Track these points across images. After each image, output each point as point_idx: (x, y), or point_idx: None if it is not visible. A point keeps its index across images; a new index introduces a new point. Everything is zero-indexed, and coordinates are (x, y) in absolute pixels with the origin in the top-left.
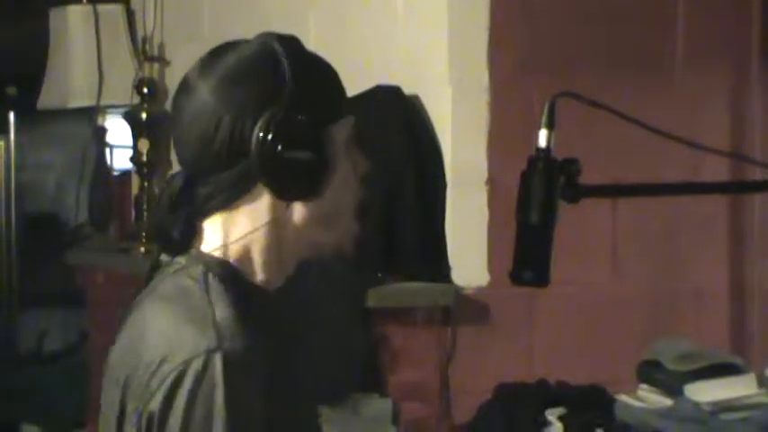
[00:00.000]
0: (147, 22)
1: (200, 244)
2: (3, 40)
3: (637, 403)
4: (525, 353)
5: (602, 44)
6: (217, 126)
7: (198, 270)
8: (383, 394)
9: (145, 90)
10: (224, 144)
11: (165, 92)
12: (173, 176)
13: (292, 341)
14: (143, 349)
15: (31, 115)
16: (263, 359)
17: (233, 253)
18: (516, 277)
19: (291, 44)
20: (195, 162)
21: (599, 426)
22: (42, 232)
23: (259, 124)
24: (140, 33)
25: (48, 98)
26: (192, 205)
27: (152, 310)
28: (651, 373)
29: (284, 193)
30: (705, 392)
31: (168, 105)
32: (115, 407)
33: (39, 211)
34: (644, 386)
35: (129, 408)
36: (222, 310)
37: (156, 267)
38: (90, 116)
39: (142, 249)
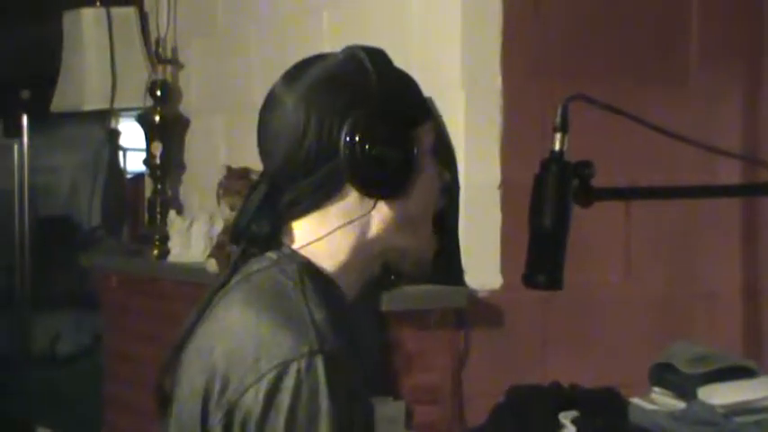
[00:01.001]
0: (161, 25)
1: (290, 242)
2: (16, 43)
3: (650, 406)
4: (538, 356)
5: (615, 48)
6: (305, 130)
7: (291, 268)
8: (396, 397)
9: (158, 93)
10: (312, 146)
11: (179, 94)
12: (256, 183)
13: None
14: (234, 344)
15: (45, 118)
16: (356, 366)
17: (319, 253)
18: (529, 280)
19: (377, 53)
20: (283, 168)
21: (612, 429)
22: (56, 235)
23: (347, 124)
24: (153, 36)
25: (61, 101)
26: (277, 211)
27: (245, 307)
28: (664, 375)
29: (371, 190)
30: (718, 395)
31: (182, 108)
32: (197, 397)
33: (52, 214)
34: (657, 389)
35: (216, 398)
36: (319, 311)
37: (236, 268)
38: (103, 119)
39: (155, 252)
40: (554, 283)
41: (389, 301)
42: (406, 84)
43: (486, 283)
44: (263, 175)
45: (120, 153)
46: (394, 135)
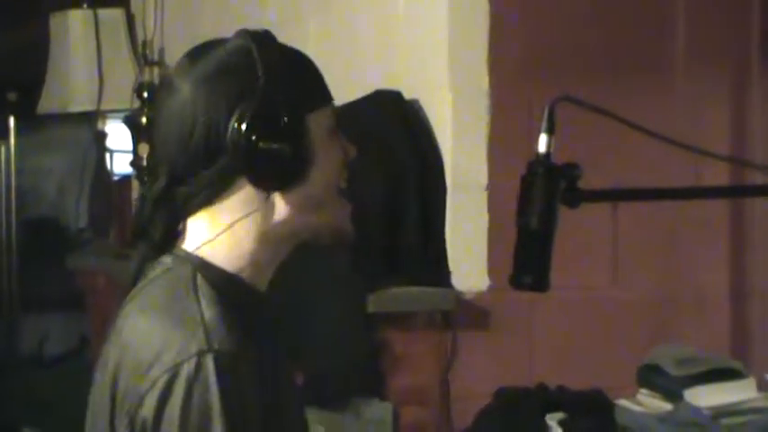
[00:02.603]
0: (148, 27)
1: (185, 243)
2: (3, 44)
3: (637, 408)
4: (525, 357)
5: (603, 48)
6: (193, 126)
7: (186, 270)
8: (383, 399)
9: (145, 94)
10: (201, 142)
11: None
12: (153, 178)
13: (284, 344)
14: (131, 354)
15: (32, 120)
16: (254, 361)
17: (220, 248)
18: (516, 282)
19: (264, 40)
20: (175, 160)
21: (599, 430)
22: (43, 237)
23: (233, 119)
24: (140, 38)
25: (48, 103)
26: (175, 205)
27: (139, 315)
28: (651, 377)
29: (263, 184)
30: (705, 397)
31: None
32: (105, 413)
33: (39, 216)
34: (644, 391)
35: (119, 412)
36: (211, 311)
37: (140, 269)
38: (90, 121)
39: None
40: (541, 284)
41: (376, 303)
42: (296, 70)
43: (473, 285)
44: (159, 164)
45: (107, 155)
46: (281, 126)
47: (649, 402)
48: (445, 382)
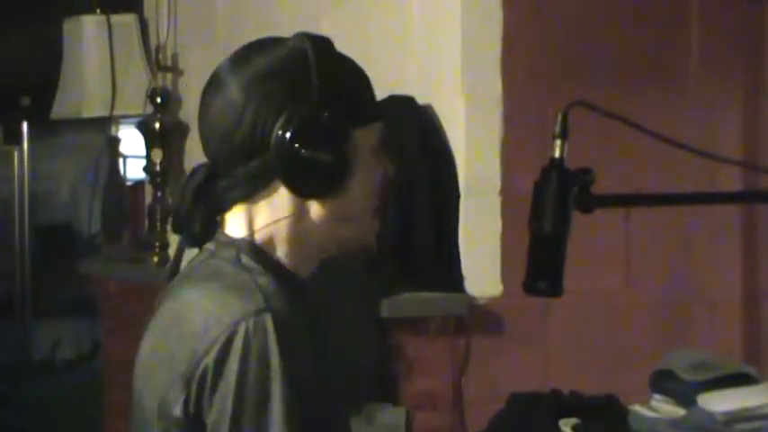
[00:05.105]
0: (161, 32)
1: (226, 231)
2: (16, 50)
3: (650, 413)
4: (538, 363)
5: (616, 54)
6: (239, 120)
7: (230, 252)
8: (397, 404)
9: (158, 100)
10: (245, 138)
11: (179, 101)
12: (196, 169)
13: (322, 329)
14: (183, 323)
15: (45, 125)
16: (306, 332)
17: (258, 243)
18: (530, 287)
19: (323, 46)
20: (217, 155)
21: None
22: (55, 242)
23: (280, 121)
24: (154, 43)
25: (61, 108)
26: (214, 197)
27: (188, 288)
28: (664, 383)
29: (300, 190)
30: (718, 402)
31: (182, 115)
32: (153, 390)
33: (52, 221)
34: (657, 396)
35: (172, 376)
36: (264, 279)
37: (180, 257)
38: (103, 126)
39: (155, 259)
40: (554, 289)
41: (390, 308)
42: (351, 82)
43: (487, 290)
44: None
45: (120, 160)
46: (327, 136)
47: (663, 408)
48: (458, 387)
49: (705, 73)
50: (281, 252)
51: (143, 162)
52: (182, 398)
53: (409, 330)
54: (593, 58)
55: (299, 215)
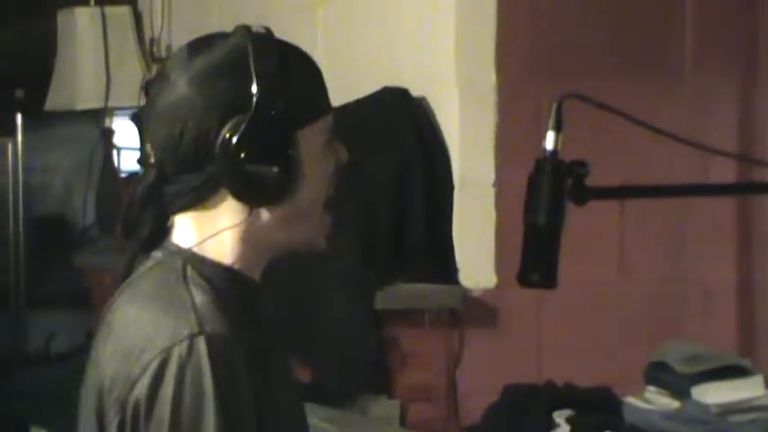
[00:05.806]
0: (155, 24)
1: (174, 239)
2: (10, 41)
3: (644, 405)
4: (533, 355)
5: (610, 46)
6: (183, 128)
7: (176, 262)
8: (391, 396)
9: None
10: (190, 147)
11: None
12: (144, 172)
13: (282, 338)
14: (120, 342)
15: (39, 117)
16: (247, 348)
17: (207, 250)
18: (524, 279)
19: (262, 41)
20: (163, 161)
21: (607, 428)
22: (50, 234)
23: (223, 132)
24: (148, 35)
25: (55, 100)
26: (163, 202)
27: (129, 305)
28: (658, 374)
29: (247, 200)
30: (712, 394)
31: None
32: (92, 406)
33: (46, 213)
34: (651, 388)
35: (107, 399)
36: (202, 297)
37: (131, 266)
38: (97, 118)
39: None
40: (548, 281)
41: (384, 300)
42: (295, 78)
43: (481, 282)
44: (146, 162)
45: (115, 152)
46: (272, 145)
47: (657, 399)
48: (453, 379)
49: (699, 65)
50: (230, 258)
51: (137, 154)
52: (116, 420)
53: (403, 322)
54: (587, 51)
55: (249, 222)
